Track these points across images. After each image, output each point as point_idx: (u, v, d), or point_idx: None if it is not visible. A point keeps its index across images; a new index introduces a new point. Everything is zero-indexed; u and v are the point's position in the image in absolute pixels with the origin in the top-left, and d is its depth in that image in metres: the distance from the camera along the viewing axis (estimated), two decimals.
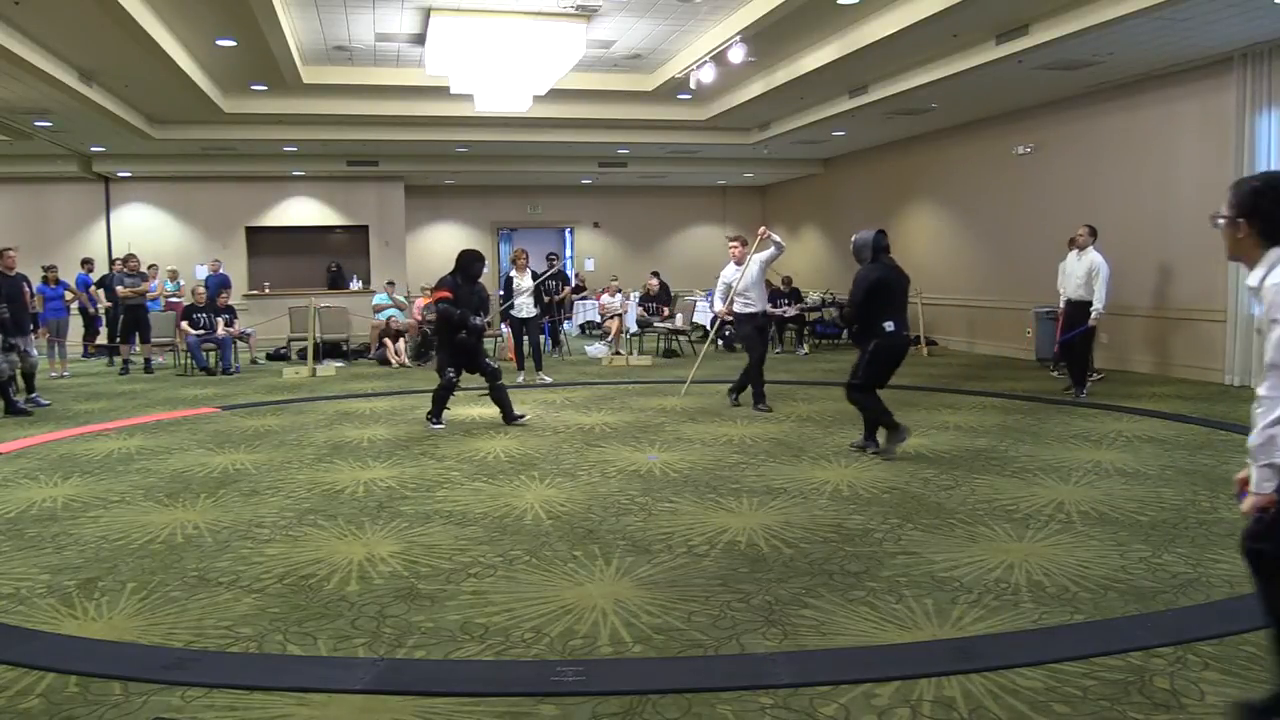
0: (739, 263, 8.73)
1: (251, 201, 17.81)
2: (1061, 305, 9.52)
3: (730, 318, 8.93)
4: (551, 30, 9.57)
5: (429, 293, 14.40)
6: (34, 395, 9.70)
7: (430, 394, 8.26)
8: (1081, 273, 9.05)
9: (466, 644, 3.45)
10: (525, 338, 11.19)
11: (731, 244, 9.06)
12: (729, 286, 8.75)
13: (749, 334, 8.78)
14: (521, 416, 8.22)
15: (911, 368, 12.08)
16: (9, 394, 9.17)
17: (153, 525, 5.10)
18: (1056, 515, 5.02)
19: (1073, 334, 9.09)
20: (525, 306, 10.96)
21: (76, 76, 10.28)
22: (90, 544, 4.77)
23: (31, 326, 9.96)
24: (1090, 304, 8.85)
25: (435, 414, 8.10)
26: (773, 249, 8.47)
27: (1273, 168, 9.15)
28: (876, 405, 6.64)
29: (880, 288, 6.48)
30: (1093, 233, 9.19)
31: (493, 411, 8.28)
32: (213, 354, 12.88)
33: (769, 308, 9.08)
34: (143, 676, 3.18)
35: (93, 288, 14.41)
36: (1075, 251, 9.28)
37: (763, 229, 8.51)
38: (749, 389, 8.87)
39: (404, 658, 3.34)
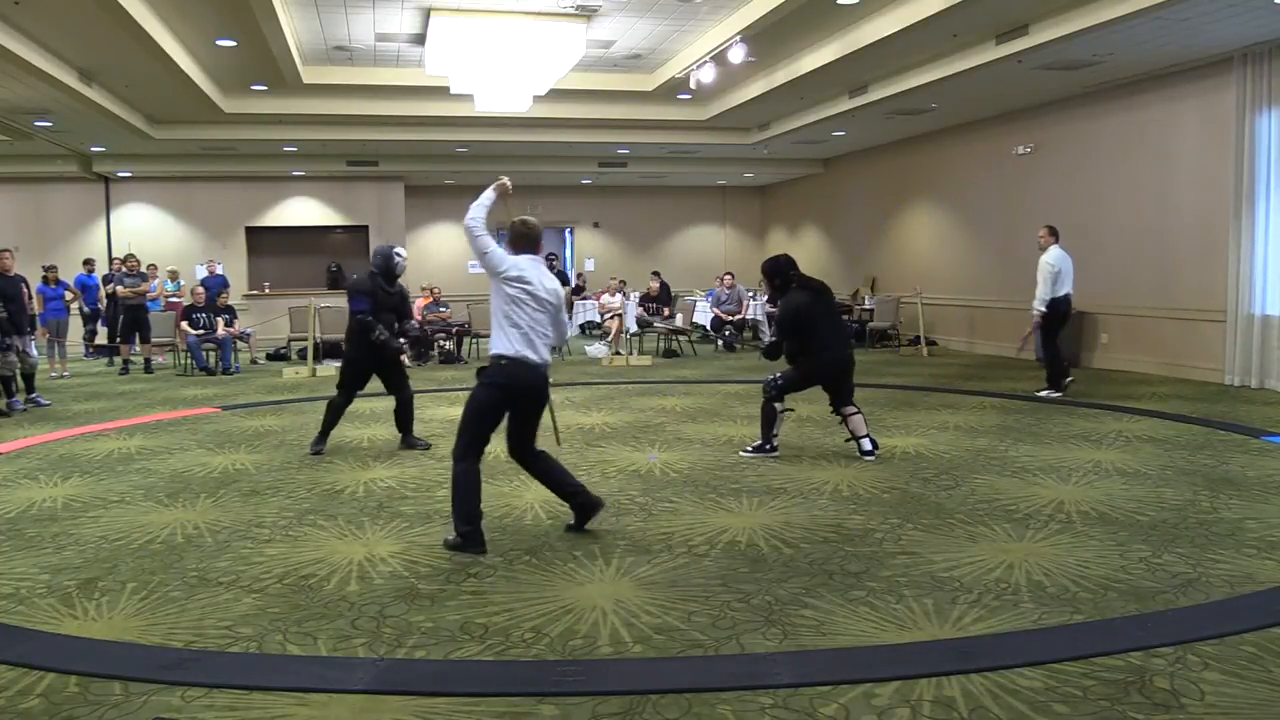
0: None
1: (251, 201, 17.81)
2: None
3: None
4: (551, 30, 9.59)
5: (428, 292, 14.45)
6: (34, 395, 9.71)
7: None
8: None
9: (466, 644, 3.45)
10: None
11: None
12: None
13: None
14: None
15: (912, 368, 12.10)
16: (11, 391, 9.24)
17: (153, 525, 5.10)
18: (1056, 515, 5.02)
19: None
20: None
21: (76, 76, 10.29)
22: (90, 544, 4.77)
23: (30, 327, 9.96)
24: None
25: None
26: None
27: (1273, 168, 9.17)
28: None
29: None
30: (1052, 233, 9.11)
31: None
32: (213, 354, 12.88)
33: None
34: (143, 676, 3.18)
35: (103, 289, 14.39)
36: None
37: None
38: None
39: (404, 658, 3.34)
